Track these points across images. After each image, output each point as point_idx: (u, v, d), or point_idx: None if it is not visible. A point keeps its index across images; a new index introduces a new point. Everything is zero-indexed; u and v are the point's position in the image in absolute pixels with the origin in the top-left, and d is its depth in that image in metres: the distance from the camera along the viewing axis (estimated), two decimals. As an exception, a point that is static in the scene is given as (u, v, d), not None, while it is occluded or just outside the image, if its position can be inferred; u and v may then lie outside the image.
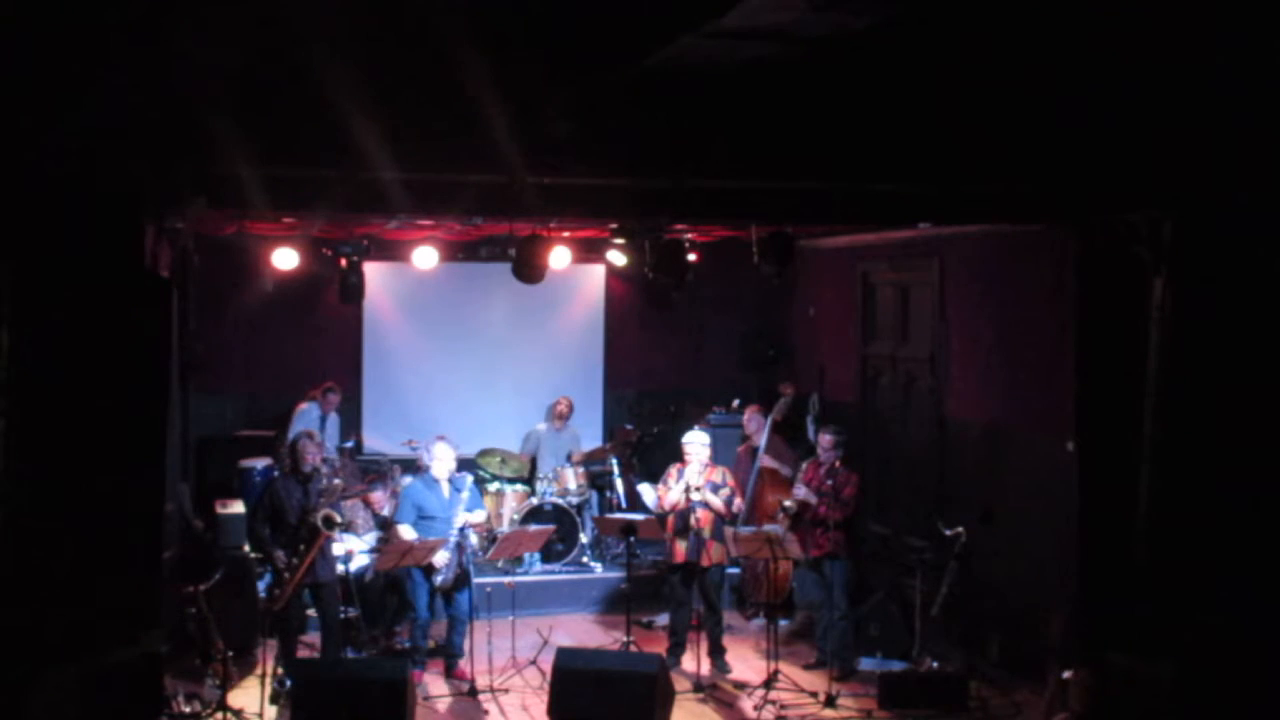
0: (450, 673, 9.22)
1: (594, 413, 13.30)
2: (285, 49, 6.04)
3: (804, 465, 9.64)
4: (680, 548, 9.41)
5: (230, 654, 8.25)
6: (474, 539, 9.07)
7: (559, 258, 10.20)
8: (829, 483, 9.15)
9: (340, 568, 9.24)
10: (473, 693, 8.78)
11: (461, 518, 9.01)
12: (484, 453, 12.10)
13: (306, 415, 11.55)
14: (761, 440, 10.50)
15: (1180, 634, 7.20)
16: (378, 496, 10.00)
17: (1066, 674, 7.86)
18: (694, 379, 13.52)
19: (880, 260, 11.41)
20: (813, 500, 9.19)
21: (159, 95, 6.11)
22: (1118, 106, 6.97)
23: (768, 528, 9.10)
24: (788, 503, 9.24)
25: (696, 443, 9.48)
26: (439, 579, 8.95)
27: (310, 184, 7.08)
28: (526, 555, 10.86)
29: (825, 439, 9.37)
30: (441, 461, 9.15)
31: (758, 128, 6.97)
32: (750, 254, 9.20)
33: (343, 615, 9.15)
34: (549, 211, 8.11)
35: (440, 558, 8.86)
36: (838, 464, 9.27)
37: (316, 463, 8.75)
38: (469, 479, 9.21)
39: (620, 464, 12.12)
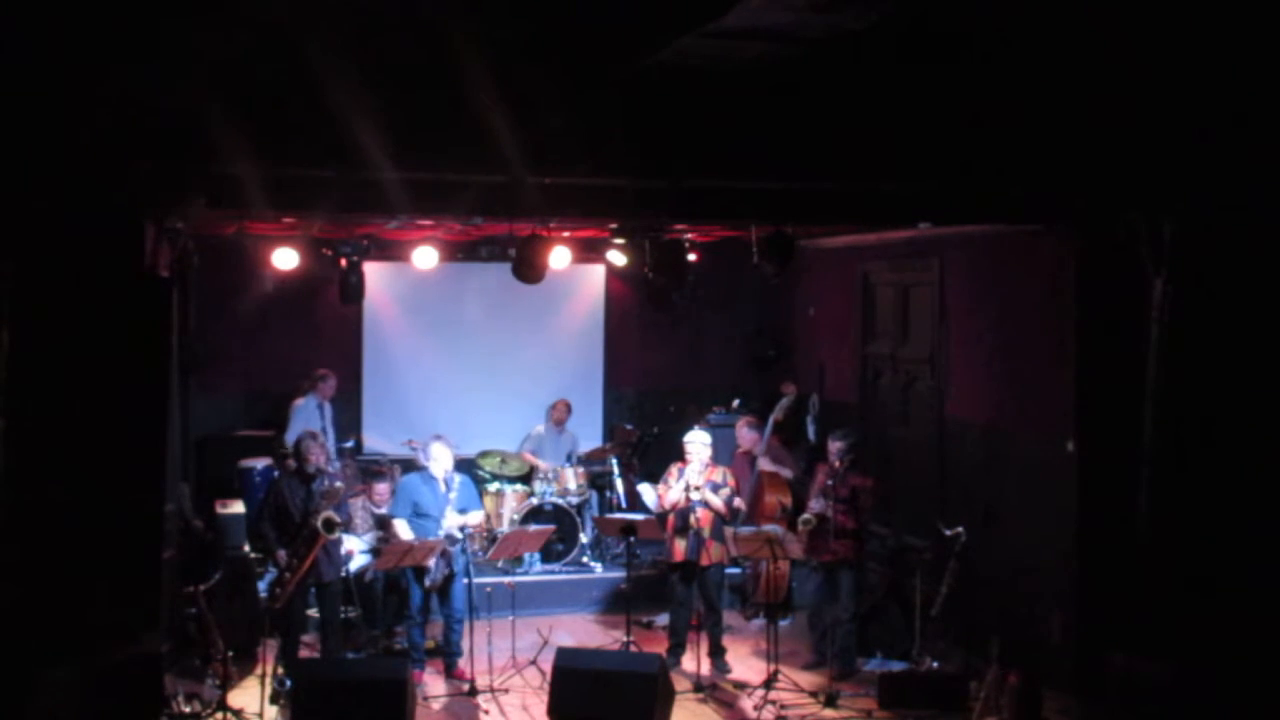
0: (450, 673, 9.22)
1: (594, 413, 13.29)
2: (285, 49, 6.05)
3: (817, 475, 9.43)
4: (679, 546, 9.41)
5: (230, 654, 8.25)
6: (461, 536, 9.03)
7: (559, 258, 10.19)
8: (843, 489, 9.10)
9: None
10: (473, 693, 8.78)
11: (453, 520, 9.00)
12: (484, 453, 12.09)
13: (305, 410, 11.49)
14: (760, 444, 10.48)
15: (1180, 634, 7.20)
16: (382, 488, 9.99)
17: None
18: (694, 379, 13.51)
19: (880, 260, 11.40)
20: (829, 513, 9.10)
21: (159, 95, 6.11)
22: (1118, 107, 6.98)
23: (767, 528, 9.09)
24: (806, 516, 9.11)
25: (698, 442, 9.49)
26: (428, 580, 8.96)
27: (310, 184, 7.08)
28: (526, 555, 10.86)
29: (835, 445, 9.24)
30: (438, 461, 9.14)
31: (758, 128, 6.97)
32: (750, 254, 9.20)
33: (343, 615, 9.15)
34: (549, 211, 8.11)
35: (433, 557, 8.87)
36: (845, 466, 9.17)
37: (320, 463, 8.75)
38: (458, 478, 9.20)
39: (620, 464, 12.11)
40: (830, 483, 9.09)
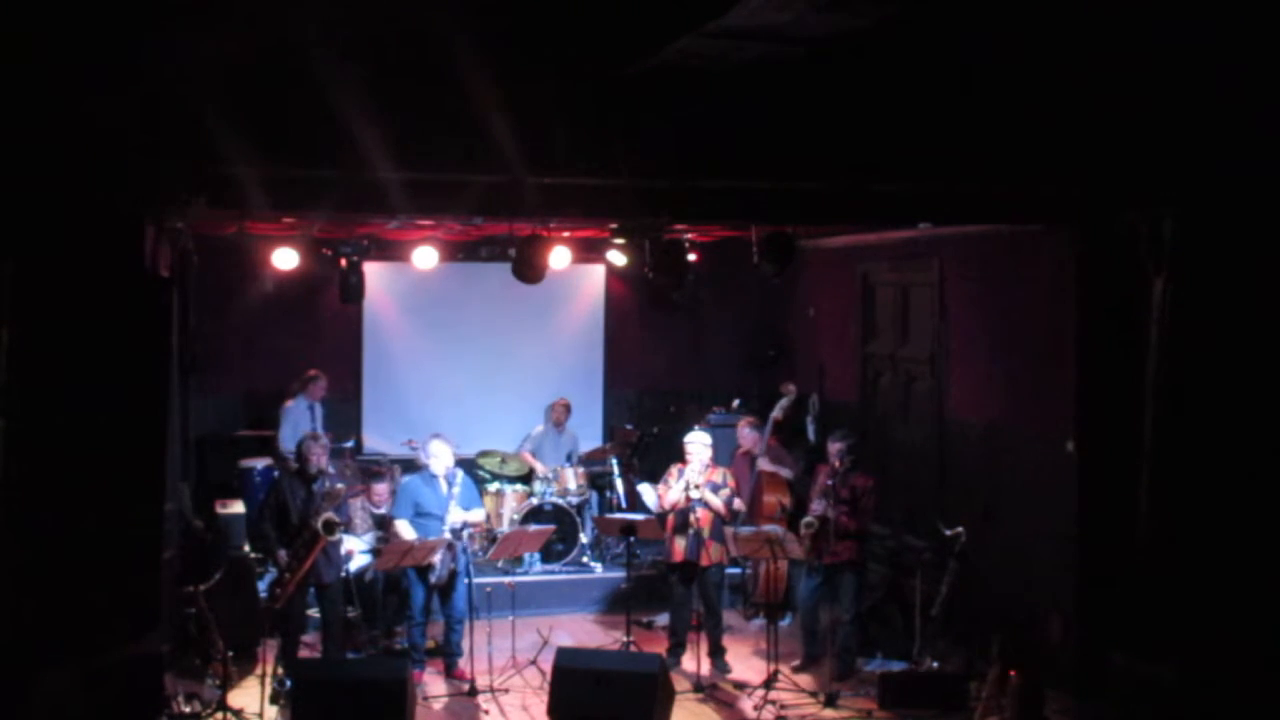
0: (450, 673, 9.22)
1: (594, 413, 13.30)
2: (285, 49, 6.05)
3: (818, 476, 9.39)
4: (679, 546, 9.41)
5: (230, 654, 8.25)
6: (466, 537, 9.04)
7: (559, 258, 10.19)
8: (845, 490, 9.09)
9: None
10: (473, 693, 8.79)
11: (457, 515, 9.00)
12: (484, 453, 12.10)
13: (295, 411, 11.46)
14: (760, 444, 10.48)
15: (1180, 634, 7.20)
16: (381, 489, 9.98)
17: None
18: (694, 379, 13.52)
19: (880, 260, 11.41)
20: (831, 514, 9.08)
21: (159, 95, 6.11)
22: (1118, 106, 6.98)
23: (767, 528, 9.09)
24: (809, 519, 9.10)
25: (698, 443, 9.49)
26: (434, 577, 8.96)
27: (310, 184, 7.07)
28: (526, 555, 10.86)
29: (834, 446, 9.21)
30: (438, 458, 9.14)
31: (758, 128, 6.97)
32: (750, 254, 9.20)
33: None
34: (549, 211, 8.11)
35: (435, 556, 8.87)
36: (845, 466, 9.16)
37: (322, 464, 8.74)
38: (459, 474, 9.21)
39: (620, 464, 12.11)
40: (831, 483, 9.09)
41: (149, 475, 6.82)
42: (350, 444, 12.25)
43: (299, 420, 11.30)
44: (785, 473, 10.36)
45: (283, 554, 8.55)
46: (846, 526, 9.05)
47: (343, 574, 9.14)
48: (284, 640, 8.71)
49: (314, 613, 9.22)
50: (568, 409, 12.38)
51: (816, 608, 9.41)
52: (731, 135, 6.96)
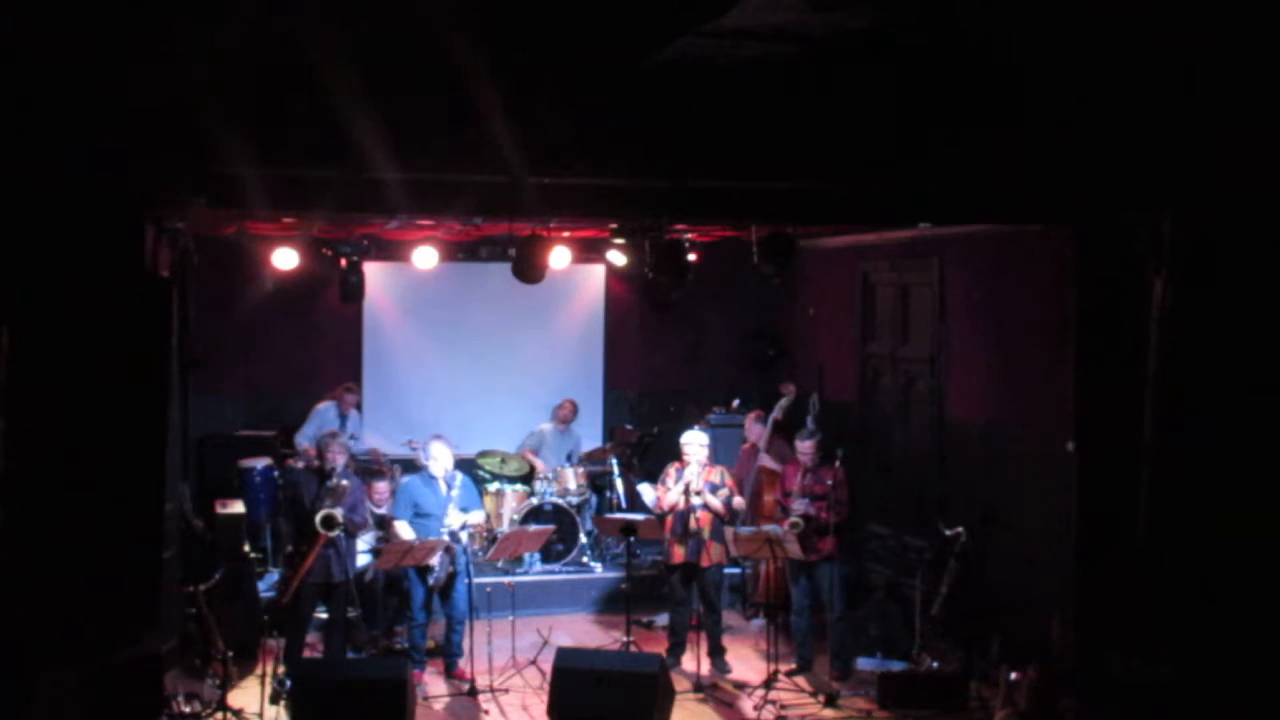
0: (450, 673, 9.23)
1: (594, 413, 13.29)
2: (286, 49, 6.04)
3: (789, 478, 9.42)
4: (679, 549, 9.41)
5: (230, 654, 8.25)
6: (465, 538, 9.05)
7: (559, 258, 10.20)
8: (819, 486, 9.11)
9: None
10: (473, 693, 8.79)
11: (457, 517, 9.00)
12: (484, 453, 12.10)
13: (323, 414, 11.57)
14: (762, 442, 10.50)
15: (1180, 634, 7.20)
16: (381, 487, 9.99)
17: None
18: (694, 379, 13.52)
19: (880, 260, 11.41)
20: (812, 511, 9.12)
21: (159, 95, 6.11)
22: (1117, 106, 6.98)
23: (767, 528, 9.09)
24: (794, 518, 9.14)
25: (695, 443, 9.49)
26: (432, 578, 8.96)
27: (310, 184, 7.08)
28: (526, 555, 10.86)
29: (806, 444, 9.28)
30: (438, 460, 9.15)
31: (758, 128, 6.97)
32: (750, 254, 9.20)
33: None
34: (549, 211, 8.11)
35: (434, 556, 8.88)
36: (818, 461, 9.21)
37: (338, 462, 8.75)
38: (459, 476, 9.21)
39: (620, 464, 12.12)
40: (830, 482, 9.11)
41: (149, 475, 6.81)
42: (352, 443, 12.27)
43: (324, 423, 11.39)
44: (785, 471, 10.37)
45: (289, 549, 8.58)
46: (831, 521, 9.06)
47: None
48: (289, 639, 8.71)
49: (322, 613, 9.21)
50: (575, 409, 12.39)
51: (804, 609, 9.40)
52: (731, 135, 6.95)
